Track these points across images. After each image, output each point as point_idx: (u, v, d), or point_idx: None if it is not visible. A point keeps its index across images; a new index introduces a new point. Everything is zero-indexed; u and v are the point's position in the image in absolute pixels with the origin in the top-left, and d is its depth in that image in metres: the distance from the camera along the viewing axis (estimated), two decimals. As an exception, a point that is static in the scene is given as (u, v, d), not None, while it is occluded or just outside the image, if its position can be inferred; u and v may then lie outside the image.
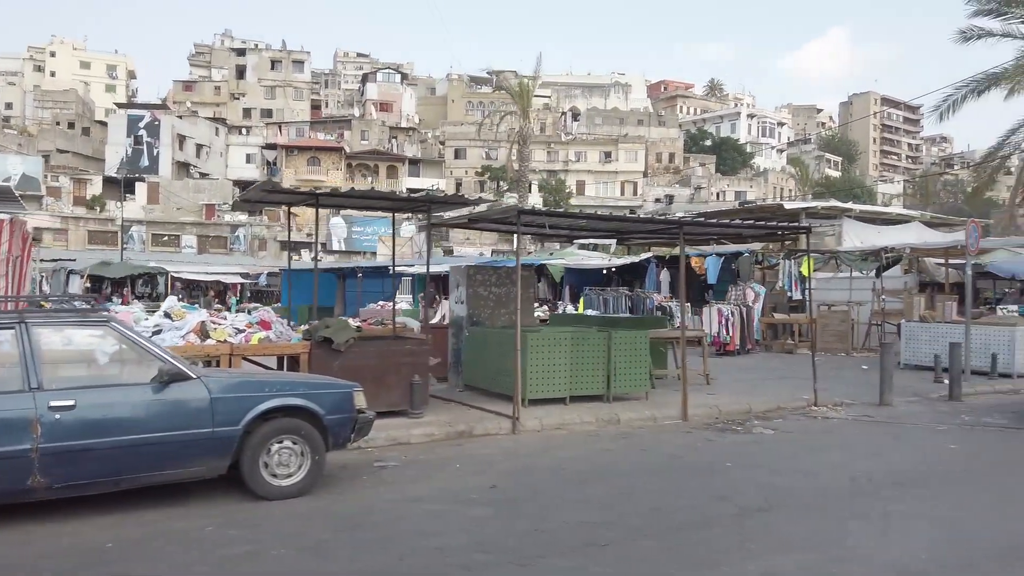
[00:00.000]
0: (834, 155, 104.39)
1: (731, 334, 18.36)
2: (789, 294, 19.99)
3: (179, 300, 25.06)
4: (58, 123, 76.71)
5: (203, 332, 7.85)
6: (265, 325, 8.46)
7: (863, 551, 4.76)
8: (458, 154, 77.69)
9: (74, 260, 38.22)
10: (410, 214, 23.13)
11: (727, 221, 12.00)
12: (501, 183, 72.07)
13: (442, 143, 78.32)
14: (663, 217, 13.18)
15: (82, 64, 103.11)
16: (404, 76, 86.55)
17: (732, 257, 21.17)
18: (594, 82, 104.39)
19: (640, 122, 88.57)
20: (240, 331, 8.23)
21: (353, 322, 14.56)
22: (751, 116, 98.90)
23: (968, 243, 13.07)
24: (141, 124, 65.88)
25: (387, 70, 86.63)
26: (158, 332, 7.71)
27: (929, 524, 5.39)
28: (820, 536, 5.10)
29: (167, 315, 7.94)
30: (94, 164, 66.87)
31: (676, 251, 23.11)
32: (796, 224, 11.09)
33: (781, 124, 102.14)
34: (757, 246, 21.74)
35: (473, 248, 62.23)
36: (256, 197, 8.44)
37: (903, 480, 6.59)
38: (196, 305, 18.09)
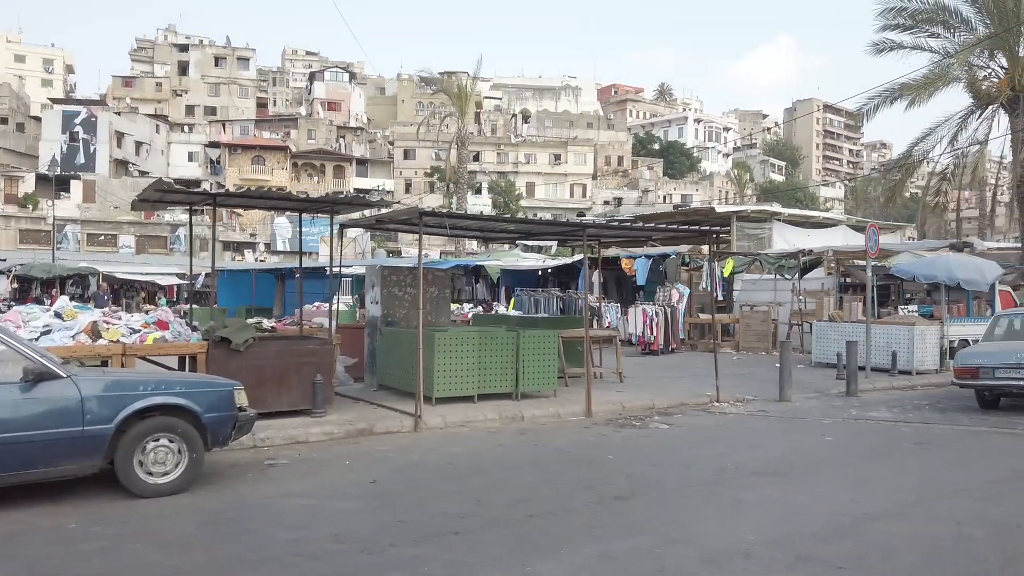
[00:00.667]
0: (779, 160, 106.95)
1: (655, 334, 18.80)
2: (714, 295, 20.52)
3: (107, 301, 24.46)
4: (-9, 118, 74.30)
5: (95, 332, 7.83)
6: (162, 325, 8.46)
7: (701, 534, 5.05)
8: (407, 155, 77.41)
9: (4, 260, 37.20)
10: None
11: (629, 224, 12.35)
12: (451, 184, 72.15)
13: (391, 143, 77.95)
14: (567, 220, 13.47)
15: (16, 57, 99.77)
16: (353, 75, 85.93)
17: (660, 259, 21.68)
18: (545, 84, 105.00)
19: (590, 125, 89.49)
20: (136, 331, 8.22)
21: (267, 323, 14.59)
22: (698, 121, 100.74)
23: (868, 246, 13.64)
24: (77, 120, 64.17)
25: (335, 69, 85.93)
26: (47, 332, 7.67)
27: (771, 508, 5.71)
28: (667, 521, 5.38)
29: (58, 315, 7.90)
30: (28, 161, 64.85)
31: (608, 253, 23.65)
32: (699, 227, 11.43)
33: (727, 129, 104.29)
34: (684, 248, 22.31)
35: (411, 248, 62.03)
36: (153, 197, 8.43)
37: (767, 470, 6.94)
38: (115, 308, 17.78)
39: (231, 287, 33.81)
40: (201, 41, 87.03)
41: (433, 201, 69.79)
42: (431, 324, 12.09)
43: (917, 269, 14.85)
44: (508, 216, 10.13)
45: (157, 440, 6.00)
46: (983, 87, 19.44)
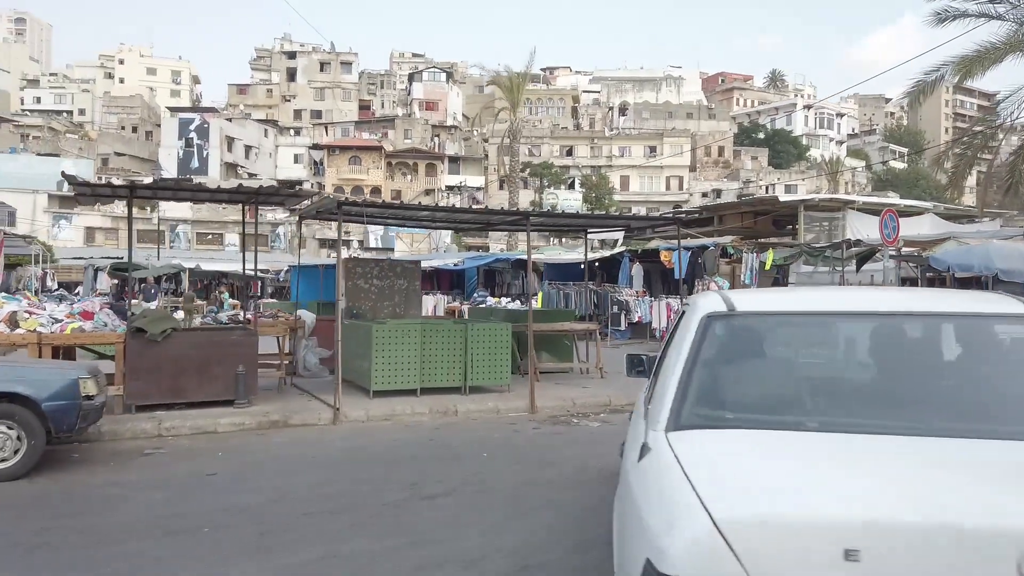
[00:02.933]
0: (900, 146, 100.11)
1: (683, 329, 17.91)
2: (752, 288, 19.38)
3: (155, 294, 25.61)
4: (123, 128, 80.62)
5: (12, 322, 8.19)
6: (86, 316, 8.75)
7: (464, 537, 4.64)
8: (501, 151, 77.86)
9: (120, 258, 40.24)
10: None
11: (576, 212, 11.73)
12: (543, 179, 71.98)
13: (486, 140, 78.64)
14: (510, 209, 12.93)
15: (148, 70, 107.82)
16: (450, 75, 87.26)
17: (700, 250, 20.64)
18: (646, 76, 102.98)
19: (690, 115, 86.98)
20: (57, 321, 8.54)
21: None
22: (808, 107, 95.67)
23: (884, 234, 12.42)
24: (191, 127, 68.54)
25: (433, 69, 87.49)
26: (-32, 321, 8.09)
27: (580, 513, 5.20)
28: (444, 523, 4.99)
29: (-16, 305, 8.33)
30: (149, 166, 69.90)
31: (650, 245, 22.77)
32: (658, 216, 10.71)
33: (841, 115, 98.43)
34: (725, 239, 21.16)
35: (497, 245, 62.33)
36: (86, 192, 8.73)
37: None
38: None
39: (308, 282, 35.10)
40: (313, 48, 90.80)
41: (525, 197, 69.92)
42: (399, 317, 12.00)
43: (952, 259, 13.39)
44: (428, 206, 9.80)
45: (-5, 426, 6.17)
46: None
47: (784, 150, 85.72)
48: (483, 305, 21.79)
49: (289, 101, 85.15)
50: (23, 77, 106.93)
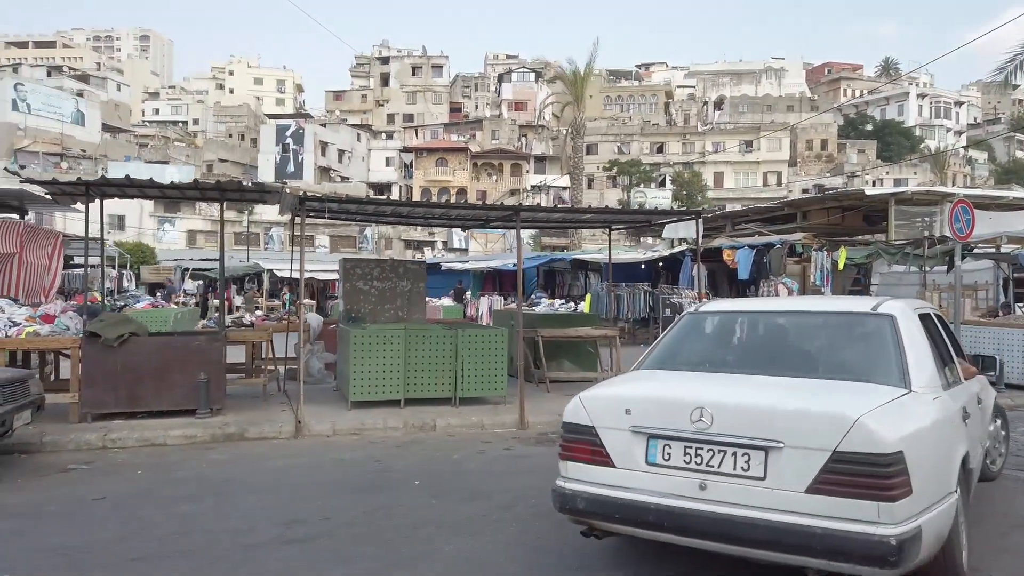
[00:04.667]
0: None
1: (739, 335, 16.39)
2: (823, 289, 17.56)
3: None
4: (230, 135, 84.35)
5: (-34, 325, 7.94)
6: (47, 319, 8.43)
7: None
8: (589, 150, 76.50)
9: (215, 260, 41.90)
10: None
11: (569, 207, 10.57)
12: (632, 178, 70.14)
13: (573, 139, 77.44)
14: (481, 203, 11.82)
15: (255, 80, 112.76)
16: (539, 75, 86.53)
17: (765, 249, 18.96)
18: (744, 68, 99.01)
19: (790, 108, 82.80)
20: (15, 324, 8.25)
21: (249, 318, 14.38)
22: (922, 96, 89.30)
23: (954, 228, 10.72)
24: (288, 133, 70.69)
25: (522, 69, 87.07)
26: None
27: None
28: (292, 570, 4.15)
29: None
30: (250, 171, 72.64)
31: (713, 243, 21.17)
32: (666, 210, 9.47)
33: (960, 103, 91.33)
34: (796, 236, 19.37)
35: (595, 245, 61.08)
36: (46, 190, 8.43)
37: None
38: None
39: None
40: (408, 52, 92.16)
41: (613, 195, 68.23)
42: (402, 320, 11.26)
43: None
44: (397, 200, 8.94)
45: None
46: None
47: (895, 142, 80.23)
48: (535, 307, 20.89)
49: (382, 105, 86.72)
50: (144, 90, 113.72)
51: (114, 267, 30.66)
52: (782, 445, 3.43)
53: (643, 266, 21.98)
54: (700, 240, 10.88)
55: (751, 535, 3.41)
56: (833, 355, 4.39)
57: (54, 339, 8.30)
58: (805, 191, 71.39)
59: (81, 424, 8.15)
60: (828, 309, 4.96)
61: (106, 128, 75.82)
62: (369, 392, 9.30)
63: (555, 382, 11.52)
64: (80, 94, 73.71)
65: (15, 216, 11.88)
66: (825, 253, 17.29)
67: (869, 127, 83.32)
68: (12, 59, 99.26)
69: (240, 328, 10.49)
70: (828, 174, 74.52)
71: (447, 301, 24.80)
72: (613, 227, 11.59)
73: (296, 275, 10.15)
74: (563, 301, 21.36)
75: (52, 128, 66.86)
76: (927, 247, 15.92)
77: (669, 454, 3.72)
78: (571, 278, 24.60)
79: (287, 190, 8.15)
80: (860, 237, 19.31)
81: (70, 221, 40.62)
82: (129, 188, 8.34)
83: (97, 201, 8.92)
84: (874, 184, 69.87)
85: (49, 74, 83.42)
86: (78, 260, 29.16)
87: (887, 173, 72.48)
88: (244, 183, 8.25)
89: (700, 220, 9.76)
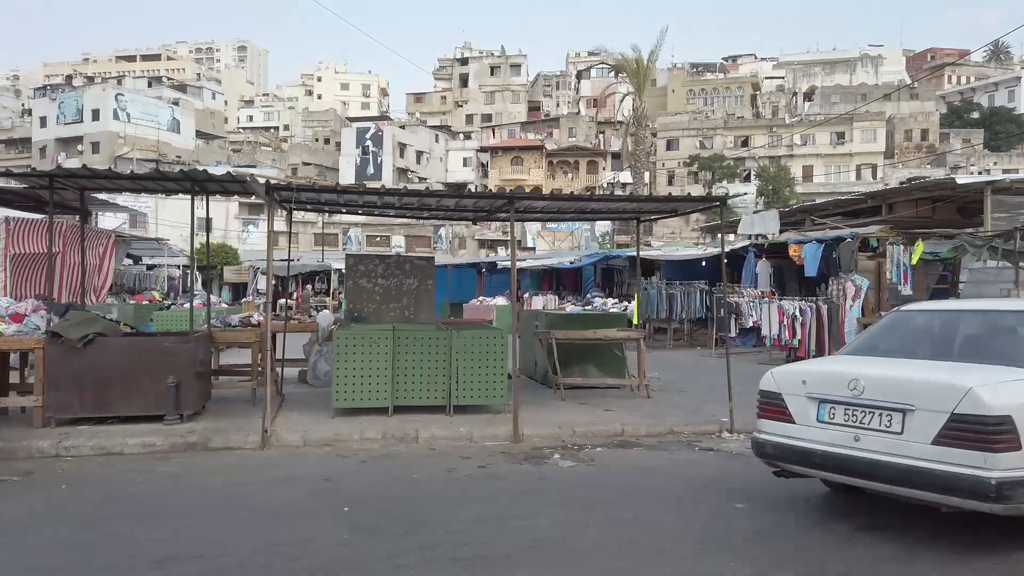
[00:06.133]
0: None
1: (800, 336, 14.90)
2: (899, 288, 15.80)
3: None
4: (316, 139, 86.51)
5: (-69, 325, 7.66)
6: (16, 319, 8.08)
7: None
8: (670, 145, 74.52)
9: (298, 260, 42.73)
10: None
11: (572, 193, 9.44)
12: (714, 172, 67.63)
13: (654, 135, 75.39)
14: (467, 190, 10.73)
15: (342, 86, 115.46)
16: (618, 71, 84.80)
17: (835, 243, 17.29)
18: (838, 57, 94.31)
19: (887, 97, 78.06)
20: (-17, 324, 7.93)
21: (257, 316, 13.91)
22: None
23: (1038, 213, 9.08)
24: (367, 136, 71.69)
25: (601, 66, 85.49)
26: None
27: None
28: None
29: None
30: (332, 174, 74.09)
31: (780, 238, 19.53)
32: (683, 197, 8.32)
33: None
34: (872, 229, 17.62)
35: (659, 242, 59.10)
36: (24, 183, 8.10)
37: (458, 554, 4.35)
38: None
39: (439, 281, 34.94)
40: (488, 52, 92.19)
41: (695, 192, 65.97)
42: (408, 320, 10.51)
43: None
44: (371, 189, 8.09)
45: None
46: None
47: (1004, 130, 74.47)
48: (591, 305, 19.90)
49: (461, 106, 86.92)
50: (240, 98, 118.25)
51: (178, 268, 31.44)
52: (914, 408, 4.47)
53: (704, 263, 20.56)
54: (722, 232, 9.62)
55: (890, 475, 4.52)
56: (983, 345, 5.30)
57: (16, 339, 7.93)
58: (902, 183, 67.12)
59: (43, 430, 7.73)
60: (990, 308, 5.86)
61: (200, 135, 78.87)
62: (354, 399, 8.57)
63: (575, 388, 10.54)
64: (176, 103, 76.90)
65: (70, 217, 11.71)
66: (902, 247, 15.55)
67: (975, 115, 77.70)
68: (120, 72, 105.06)
69: (233, 328, 9.97)
70: (929, 165, 69.81)
71: (502, 300, 24.01)
72: (641, 218, 10.46)
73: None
74: (616, 300, 20.21)
75: (149, 136, 70.00)
76: (1019, 239, 13.99)
77: (833, 414, 4.91)
78: (628, 276, 23.36)
79: (249, 177, 7.49)
80: (942, 230, 17.33)
81: (162, 227, 42.08)
82: (98, 180, 7.87)
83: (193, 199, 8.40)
84: (980, 175, 64.99)
85: (150, 84, 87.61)
86: (146, 261, 30.11)
87: (995, 164, 67.26)
88: (212, 173, 7.64)
89: (724, 205, 8.52)
